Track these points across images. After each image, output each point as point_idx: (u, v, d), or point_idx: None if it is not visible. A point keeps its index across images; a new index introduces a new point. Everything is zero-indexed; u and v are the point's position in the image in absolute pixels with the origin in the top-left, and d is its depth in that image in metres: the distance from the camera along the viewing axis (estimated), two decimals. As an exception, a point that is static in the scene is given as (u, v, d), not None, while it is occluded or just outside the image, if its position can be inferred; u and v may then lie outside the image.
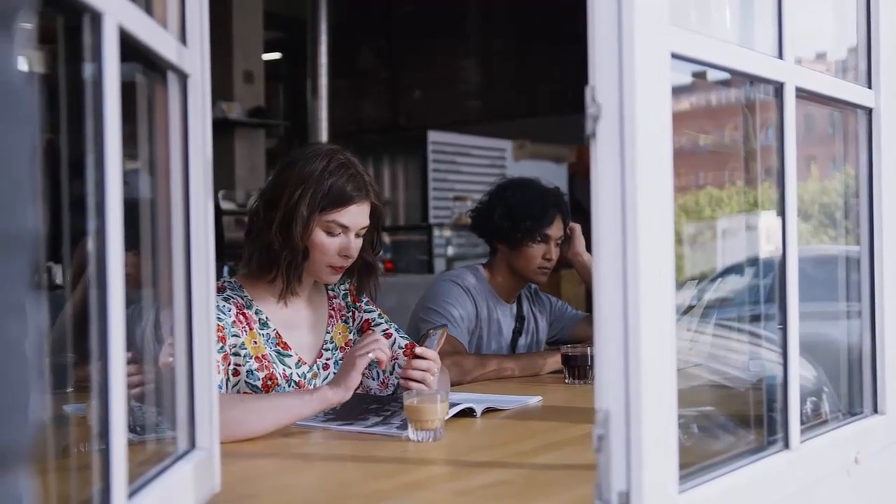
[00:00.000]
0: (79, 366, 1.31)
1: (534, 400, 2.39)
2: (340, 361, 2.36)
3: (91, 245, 1.03)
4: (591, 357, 2.69)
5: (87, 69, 1.03)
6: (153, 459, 1.32)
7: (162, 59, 1.27)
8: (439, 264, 7.31)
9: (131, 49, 1.13)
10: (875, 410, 1.86)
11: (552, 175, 6.82)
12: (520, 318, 3.20)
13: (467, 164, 8.20)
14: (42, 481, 0.75)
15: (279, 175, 2.28)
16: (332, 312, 2.43)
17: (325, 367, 2.37)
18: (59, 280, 2.62)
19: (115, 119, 1.04)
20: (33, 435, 0.56)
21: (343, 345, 2.42)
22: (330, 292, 2.46)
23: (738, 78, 1.65)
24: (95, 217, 1.02)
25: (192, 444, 1.40)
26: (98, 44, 1.02)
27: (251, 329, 2.24)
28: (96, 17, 1.01)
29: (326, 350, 2.39)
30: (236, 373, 2.19)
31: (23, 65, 0.58)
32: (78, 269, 1.63)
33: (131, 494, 1.10)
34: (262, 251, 2.25)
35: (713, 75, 1.60)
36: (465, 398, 2.23)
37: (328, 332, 2.40)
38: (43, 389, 0.55)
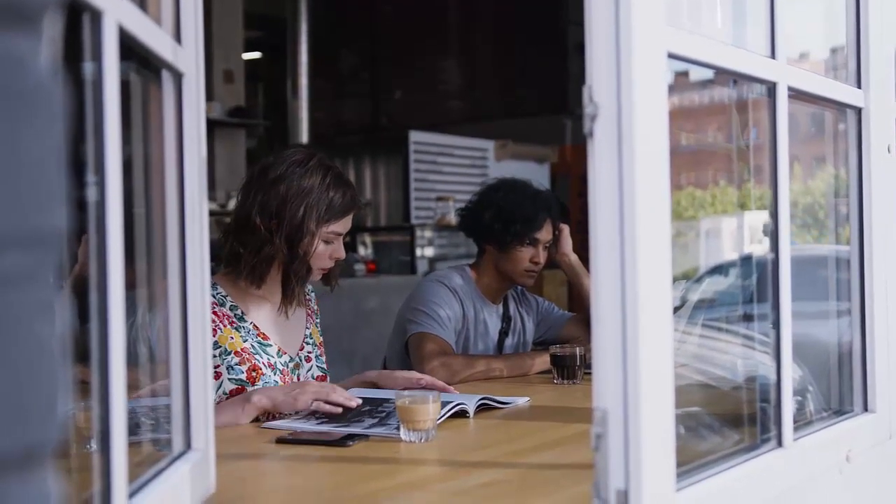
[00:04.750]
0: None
1: (523, 400, 2.39)
2: (320, 357, 2.48)
3: (91, 245, 1.02)
4: (580, 357, 2.70)
5: (87, 68, 1.02)
6: (148, 461, 1.31)
7: (158, 57, 1.27)
8: (421, 265, 7.29)
9: (127, 48, 1.12)
10: (865, 409, 1.87)
11: (534, 175, 6.83)
12: (506, 319, 3.20)
13: (449, 165, 8.20)
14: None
15: (271, 187, 2.30)
16: (309, 311, 2.52)
17: (308, 359, 2.45)
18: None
19: (114, 117, 1.03)
20: (62, 433, 0.55)
21: (318, 343, 2.51)
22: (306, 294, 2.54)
23: (723, 77, 1.66)
24: (96, 216, 1.01)
25: (188, 446, 1.39)
26: (98, 42, 1.01)
27: (226, 325, 2.28)
28: (96, 16, 1.01)
29: (308, 343, 2.47)
30: (217, 375, 2.21)
31: (50, 63, 0.57)
32: (69, 268, 1.62)
33: (131, 495, 1.09)
34: (266, 262, 2.30)
35: (696, 74, 1.60)
36: (456, 398, 2.23)
37: (307, 328, 2.49)
38: (69, 388, 0.55)
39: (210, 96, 7.73)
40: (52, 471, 0.55)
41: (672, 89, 1.57)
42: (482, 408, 2.25)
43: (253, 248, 2.29)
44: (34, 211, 0.53)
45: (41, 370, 0.53)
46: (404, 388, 2.39)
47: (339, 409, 2.12)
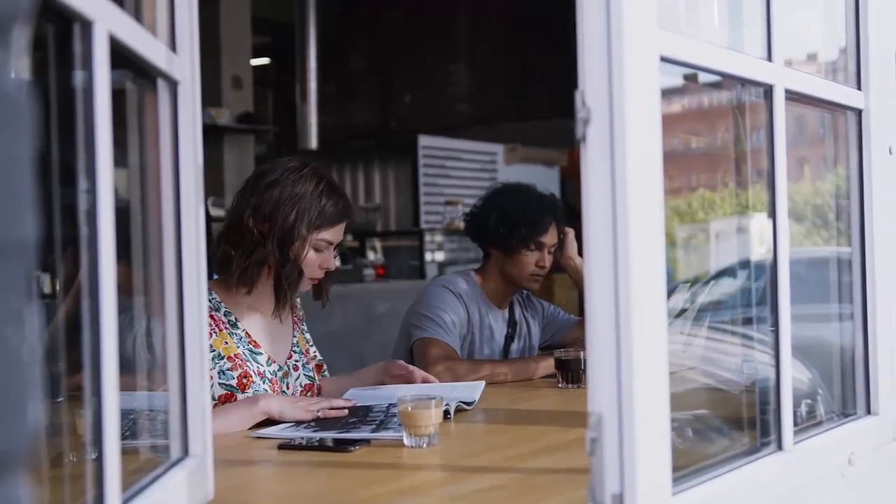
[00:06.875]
0: (69, 375, 1.31)
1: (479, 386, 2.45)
2: (306, 365, 2.51)
3: (83, 253, 1.03)
4: (584, 361, 2.69)
5: (78, 76, 1.03)
6: (146, 467, 1.31)
7: (152, 66, 1.27)
8: (431, 269, 7.30)
9: (121, 56, 1.12)
10: (868, 411, 1.86)
11: (544, 179, 6.83)
12: (512, 324, 3.20)
13: (458, 169, 8.20)
14: (35, 490, 0.75)
15: (264, 191, 2.34)
16: (296, 320, 2.55)
17: (295, 367, 2.48)
18: (46, 289, 2.63)
19: (105, 126, 1.04)
20: (32, 441, 0.56)
21: (304, 350, 2.54)
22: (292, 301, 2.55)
23: (729, 80, 1.66)
24: (87, 225, 1.01)
25: (186, 452, 1.39)
26: (88, 51, 1.02)
27: (221, 330, 2.32)
28: (87, 25, 1.01)
29: (295, 352, 2.50)
30: None
31: (20, 73, 0.58)
32: (68, 278, 1.63)
33: (125, 502, 1.09)
34: (257, 265, 2.33)
35: (704, 78, 1.60)
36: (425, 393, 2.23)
37: (294, 337, 2.52)
38: (41, 396, 0.56)
39: (218, 102, 7.75)
40: (23, 479, 0.56)
41: (681, 92, 1.57)
42: (461, 407, 2.29)
43: (244, 251, 2.32)
44: (3, 220, 0.54)
45: (11, 378, 0.53)
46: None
47: (346, 412, 2.19)
